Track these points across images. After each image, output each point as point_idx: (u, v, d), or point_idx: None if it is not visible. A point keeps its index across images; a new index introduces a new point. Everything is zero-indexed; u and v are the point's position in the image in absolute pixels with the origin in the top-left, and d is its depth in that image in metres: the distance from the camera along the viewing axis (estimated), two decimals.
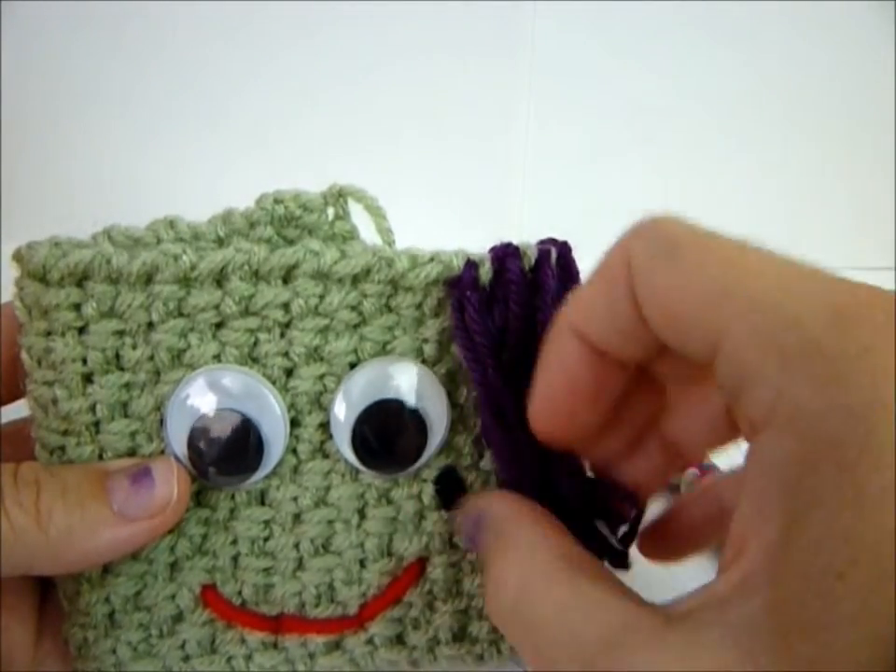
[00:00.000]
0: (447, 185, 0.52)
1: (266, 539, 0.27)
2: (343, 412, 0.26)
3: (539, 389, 0.23)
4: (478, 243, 0.58)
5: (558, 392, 0.23)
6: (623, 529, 0.26)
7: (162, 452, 0.25)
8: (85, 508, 0.23)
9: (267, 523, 0.27)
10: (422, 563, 0.28)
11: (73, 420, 0.25)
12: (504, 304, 0.26)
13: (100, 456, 0.25)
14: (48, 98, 0.49)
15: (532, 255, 0.26)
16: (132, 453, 0.25)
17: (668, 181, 0.52)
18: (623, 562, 0.26)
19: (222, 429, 0.25)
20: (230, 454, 0.25)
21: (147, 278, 0.24)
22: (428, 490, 0.27)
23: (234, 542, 0.27)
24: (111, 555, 0.24)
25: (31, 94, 0.49)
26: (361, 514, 0.27)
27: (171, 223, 0.27)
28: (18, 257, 0.25)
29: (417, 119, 0.50)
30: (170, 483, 0.24)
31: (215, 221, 0.27)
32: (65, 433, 0.25)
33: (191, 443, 0.25)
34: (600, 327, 0.22)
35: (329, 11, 0.47)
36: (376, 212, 0.29)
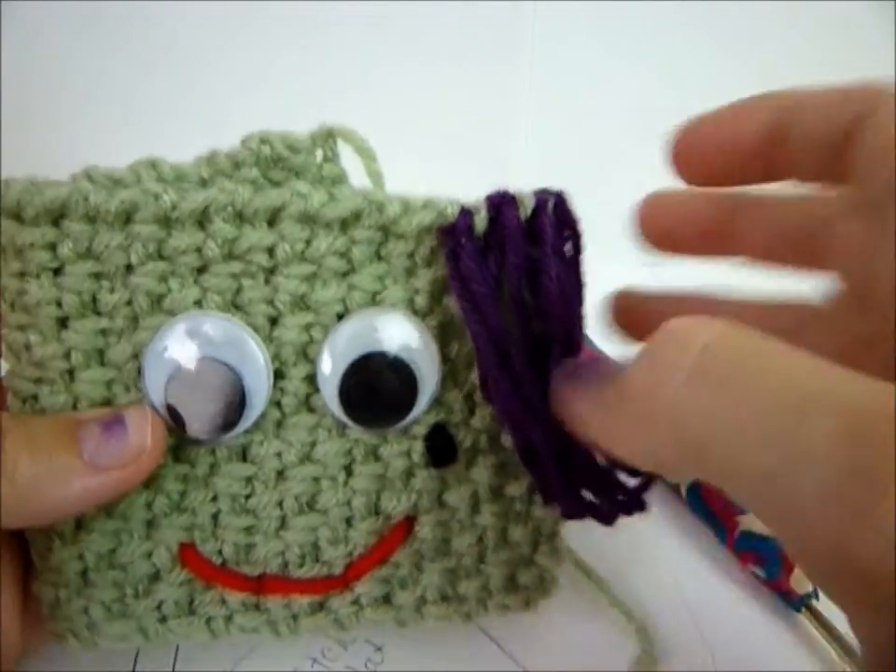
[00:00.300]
0: (448, 187, 0.52)
1: (248, 497, 0.26)
2: (330, 364, 0.25)
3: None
4: None
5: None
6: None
7: (140, 402, 0.24)
8: (53, 456, 0.22)
9: (249, 479, 0.26)
10: (410, 522, 0.27)
11: (46, 367, 0.24)
12: (500, 252, 0.25)
13: (74, 406, 0.24)
14: (48, 98, 0.49)
15: (529, 204, 0.26)
16: (107, 402, 0.24)
17: (670, 181, 0.52)
18: (638, 506, 0.26)
19: (202, 380, 0.24)
20: (209, 405, 0.24)
21: (126, 217, 0.23)
22: (418, 447, 0.26)
23: (214, 499, 0.26)
24: (81, 506, 0.23)
25: (31, 94, 0.49)
26: (348, 471, 0.26)
27: (153, 164, 0.25)
28: None
29: (417, 120, 0.50)
30: (143, 432, 0.23)
31: (198, 162, 0.26)
32: (38, 381, 0.24)
33: (169, 394, 0.24)
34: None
35: (329, 12, 0.47)
36: (366, 153, 0.28)
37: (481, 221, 0.25)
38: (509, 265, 0.25)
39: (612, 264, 0.52)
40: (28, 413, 0.24)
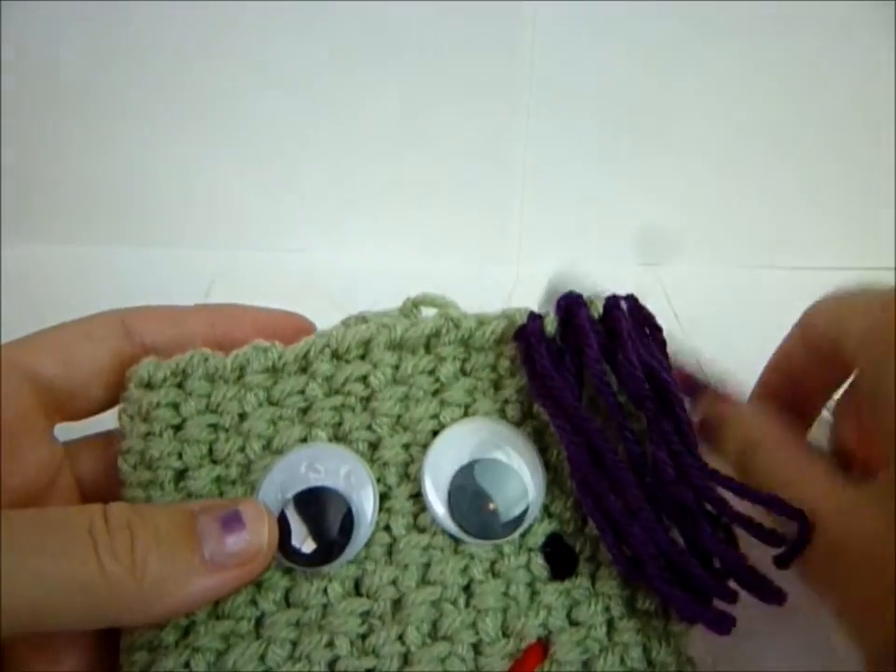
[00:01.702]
0: (445, 185, 0.52)
1: (365, 637, 0.24)
2: (435, 478, 0.25)
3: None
4: (477, 243, 0.58)
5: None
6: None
7: None
8: (177, 556, 0.22)
9: (365, 616, 0.24)
10: (543, 644, 0.25)
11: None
12: (575, 351, 0.25)
13: None
14: (48, 98, 0.49)
15: (599, 304, 0.26)
16: None
17: (669, 181, 0.52)
18: (777, 596, 0.23)
19: (311, 508, 0.25)
20: (319, 531, 0.25)
21: (240, 372, 0.26)
22: (537, 560, 0.25)
23: (330, 644, 0.24)
24: (199, 605, 0.23)
25: (31, 94, 0.49)
26: (468, 591, 0.25)
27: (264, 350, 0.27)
28: (128, 376, 0.26)
29: (416, 119, 0.50)
30: (261, 528, 0.23)
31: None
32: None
33: (281, 526, 0.24)
34: None
35: (329, 12, 0.47)
36: (453, 311, 0.29)
37: (551, 324, 0.26)
38: (589, 360, 0.25)
39: (612, 264, 0.52)
40: (146, 505, 0.24)
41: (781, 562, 0.24)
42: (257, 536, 0.23)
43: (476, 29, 0.47)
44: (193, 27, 0.47)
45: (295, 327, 0.28)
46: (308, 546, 0.24)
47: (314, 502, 0.25)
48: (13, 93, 0.48)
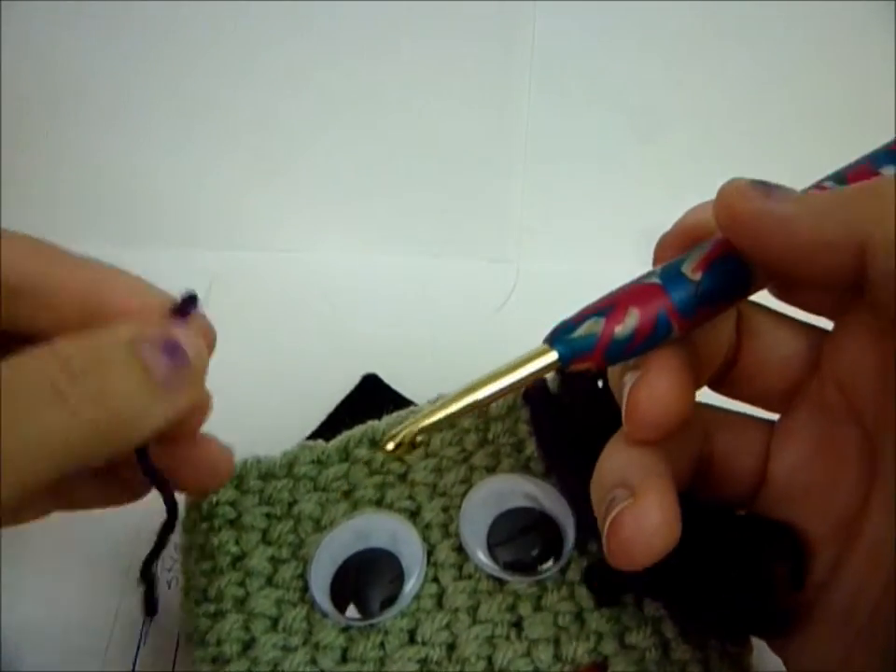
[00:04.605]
0: (445, 184, 0.52)
1: None
2: (473, 529, 0.27)
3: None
4: (477, 243, 0.58)
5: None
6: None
7: (307, 615, 0.26)
8: (135, 390, 0.21)
9: (423, 662, 0.26)
10: (600, 666, 0.25)
11: (223, 595, 0.27)
12: (574, 407, 0.27)
13: (246, 626, 0.26)
14: (48, 98, 0.49)
15: None
16: (276, 620, 0.26)
17: (669, 180, 0.52)
18: (787, 621, 0.23)
19: (363, 568, 0.27)
20: (372, 587, 0.26)
21: (290, 467, 0.29)
22: (581, 590, 0.26)
23: None
24: (161, 430, 0.22)
25: (31, 94, 0.49)
26: (518, 626, 0.26)
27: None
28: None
29: (415, 119, 0.50)
30: (197, 346, 0.23)
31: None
32: (215, 615, 0.27)
33: (334, 590, 0.26)
34: None
35: (327, 11, 0.47)
36: None
37: (554, 382, 0.29)
38: (582, 416, 0.27)
39: (612, 264, 0.52)
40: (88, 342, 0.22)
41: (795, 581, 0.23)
42: (196, 354, 0.23)
43: (476, 29, 0.47)
44: (193, 28, 0.47)
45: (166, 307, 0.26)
46: (359, 606, 0.26)
47: (365, 562, 0.27)
48: (13, 93, 0.48)
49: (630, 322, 0.21)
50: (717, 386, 0.26)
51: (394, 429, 0.22)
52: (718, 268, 0.22)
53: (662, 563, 0.22)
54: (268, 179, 0.52)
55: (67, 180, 0.51)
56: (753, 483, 0.25)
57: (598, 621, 0.26)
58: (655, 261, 0.25)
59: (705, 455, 0.25)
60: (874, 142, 0.49)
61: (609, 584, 0.26)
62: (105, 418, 0.21)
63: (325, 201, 0.52)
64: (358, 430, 0.30)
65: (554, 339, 0.21)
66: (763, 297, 0.25)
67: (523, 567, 0.27)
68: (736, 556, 0.24)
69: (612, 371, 0.24)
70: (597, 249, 0.53)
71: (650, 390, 0.21)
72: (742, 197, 0.21)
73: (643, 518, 0.21)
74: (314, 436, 0.37)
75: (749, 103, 0.50)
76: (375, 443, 0.30)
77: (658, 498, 0.21)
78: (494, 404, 0.29)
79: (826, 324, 0.25)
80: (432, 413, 0.21)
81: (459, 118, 0.50)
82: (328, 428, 0.38)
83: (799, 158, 0.55)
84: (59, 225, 0.53)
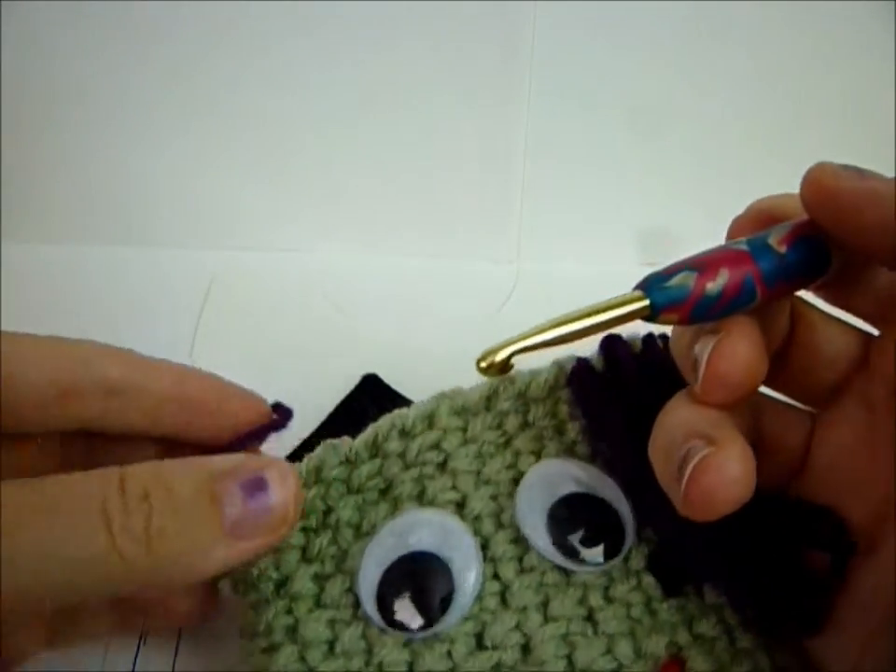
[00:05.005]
0: (445, 184, 0.52)
1: None
2: (531, 518, 0.26)
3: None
4: (477, 243, 0.58)
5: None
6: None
7: (363, 633, 0.24)
8: (198, 524, 0.20)
9: (496, 668, 0.24)
10: (678, 661, 0.25)
11: (272, 628, 0.25)
12: (621, 384, 0.26)
13: (301, 657, 0.24)
14: (48, 98, 0.49)
15: (637, 343, 0.28)
16: (332, 642, 0.24)
17: (669, 180, 0.52)
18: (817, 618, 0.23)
19: (411, 575, 0.25)
20: (423, 595, 0.25)
21: (317, 472, 0.27)
22: (647, 579, 0.26)
23: None
24: (217, 573, 0.22)
25: (31, 94, 0.49)
26: (592, 620, 0.25)
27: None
28: None
29: (415, 119, 0.50)
30: (287, 495, 0.22)
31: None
32: (269, 650, 0.25)
33: (381, 600, 0.24)
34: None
35: (326, 11, 0.47)
36: None
37: (598, 363, 0.27)
38: (630, 391, 0.26)
39: (612, 264, 0.52)
40: (166, 466, 0.22)
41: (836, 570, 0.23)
42: (281, 501, 0.21)
43: (476, 29, 0.47)
44: (193, 28, 0.47)
45: (256, 410, 0.28)
46: (413, 614, 0.24)
47: (412, 569, 0.25)
48: (13, 93, 0.48)
49: (720, 280, 0.21)
50: (766, 378, 0.26)
51: (488, 350, 0.22)
52: (802, 243, 0.23)
53: (719, 544, 0.23)
54: (268, 179, 0.52)
55: (67, 180, 0.51)
56: (793, 468, 0.26)
57: (667, 611, 0.25)
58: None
59: (753, 435, 0.26)
60: (873, 142, 0.49)
61: (674, 571, 0.26)
62: (149, 559, 0.20)
63: (325, 201, 0.52)
64: (384, 422, 0.27)
65: (648, 286, 0.22)
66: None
67: (588, 556, 0.25)
68: (780, 541, 0.24)
69: (681, 339, 0.24)
70: (597, 249, 0.53)
71: (732, 348, 0.22)
72: (833, 176, 0.22)
73: (726, 465, 0.21)
74: (314, 436, 0.36)
75: (749, 103, 0.50)
76: (406, 434, 0.27)
77: (740, 448, 0.21)
78: (534, 384, 0.27)
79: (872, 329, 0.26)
80: (525, 338, 0.22)
81: (459, 117, 0.50)
82: (328, 428, 0.38)
83: (799, 158, 0.55)
84: (58, 225, 0.53)
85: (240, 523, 0.21)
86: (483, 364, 0.22)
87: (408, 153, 0.51)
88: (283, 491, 0.22)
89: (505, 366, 0.22)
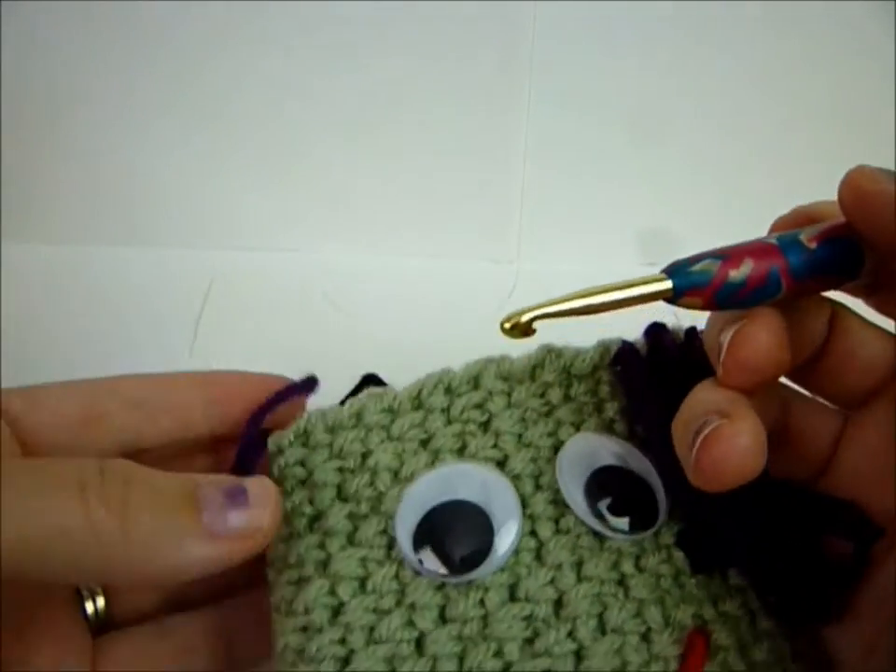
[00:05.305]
0: (445, 184, 0.52)
1: (532, 640, 0.24)
2: (570, 483, 0.26)
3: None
4: (477, 243, 0.58)
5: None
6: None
7: (396, 574, 0.24)
8: (173, 516, 0.21)
9: (528, 619, 0.24)
10: (704, 633, 0.25)
11: (304, 560, 0.25)
12: (663, 370, 0.27)
13: (332, 590, 0.24)
14: (48, 98, 0.49)
15: (680, 333, 0.28)
16: (363, 579, 0.24)
17: (669, 182, 0.52)
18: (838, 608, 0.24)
19: (449, 523, 0.25)
20: (460, 542, 0.25)
21: (358, 417, 0.27)
22: (677, 553, 0.26)
23: (499, 653, 0.24)
24: (193, 574, 0.22)
25: (31, 94, 0.49)
26: (623, 585, 0.25)
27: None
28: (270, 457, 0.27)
29: (415, 119, 0.50)
30: (264, 506, 0.22)
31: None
32: (298, 582, 0.25)
33: (419, 544, 0.24)
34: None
35: (326, 11, 0.47)
36: None
37: (642, 347, 0.28)
38: (672, 378, 0.26)
39: (612, 264, 0.52)
40: (150, 469, 0.23)
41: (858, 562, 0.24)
42: (259, 511, 0.22)
43: (476, 29, 0.47)
44: (193, 28, 0.47)
45: (282, 385, 0.29)
46: (447, 560, 0.24)
47: (452, 514, 0.25)
48: (13, 93, 0.48)
49: (744, 269, 0.22)
50: (801, 379, 0.27)
51: (513, 312, 0.22)
52: (834, 242, 0.23)
53: (743, 530, 0.23)
54: (268, 179, 0.52)
55: (68, 180, 0.51)
56: (821, 465, 0.26)
57: (695, 587, 0.26)
58: None
59: (780, 427, 0.26)
60: (873, 143, 0.49)
61: (701, 549, 0.26)
62: (122, 539, 0.20)
63: (325, 201, 0.52)
64: (431, 378, 0.28)
65: (672, 270, 0.23)
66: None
67: (622, 524, 0.26)
68: (806, 530, 0.25)
69: (712, 328, 0.25)
70: (597, 249, 0.53)
71: (752, 335, 0.22)
72: (871, 179, 0.22)
73: (737, 436, 0.21)
74: None
75: (749, 103, 0.50)
76: (450, 391, 0.28)
77: (752, 423, 0.22)
78: (580, 360, 0.28)
79: None
80: (549, 304, 0.22)
81: (459, 118, 0.50)
82: None
83: (799, 158, 0.55)
84: (59, 225, 0.53)
85: (216, 522, 0.21)
86: (508, 325, 0.22)
87: (408, 154, 0.51)
88: (262, 501, 0.22)
89: (528, 328, 0.22)
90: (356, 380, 0.41)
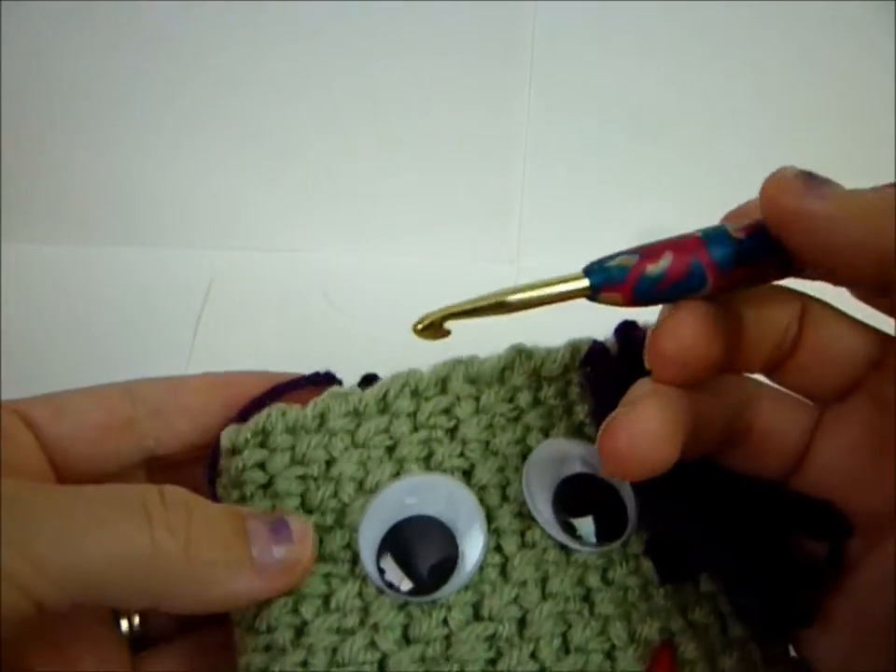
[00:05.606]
0: (445, 184, 0.52)
1: (496, 660, 0.24)
2: (537, 494, 0.26)
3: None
4: (476, 242, 0.58)
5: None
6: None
7: (360, 591, 0.24)
8: (229, 546, 0.21)
9: (491, 639, 0.24)
10: (670, 646, 0.24)
11: None
12: (632, 370, 0.26)
13: (295, 606, 0.24)
14: (48, 98, 0.49)
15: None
16: (327, 597, 0.24)
17: (669, 181, 0.52)
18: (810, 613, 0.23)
19: (412, 539, 0.24)
20: (424, 559, 0.24)
21: (321, 420, 0.26)
22: (645, 563, 0.26)
23: None
24: (243, 604, 0.23)
25: (31, 94, 0.49)
26: (588, 600, 0.25)
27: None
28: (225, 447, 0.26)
29: (415, 119, 0.50)
30: (305, 541, 0.23)
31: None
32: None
33: (384, 561, 0.24)
34: None
35: (326, 12, 0.47)
36: None
37: (612, 346, 0.27)
38: (641, 375, 0.25)
39: None
40: (202, 497, 0.23)
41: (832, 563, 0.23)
42: (301, 547, 0.23)
43: (476, 29, 0.47)
44: (193, 28, 0.47)
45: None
46: (407, 581, 0.24)
47: (415, 532, 0.25)
48: (13, 93, 0.48)
49: (663, 263, 0.22)
50: (773, 374, 0.26)
51: (426, 314, 0.22)
52: (763, 235, 0.22)
53: (714, 534, 0.23)
54: (268, 179, 0.52)
55: (68, 181, 0.51)
56: (792, 462, 0.26)
57: (663, 597, 0.25)
58: None
59: (743, 424, 0.25)
60: (873, 143, 0.49)
61: (670, 559, 0.26)
62: (186, 565, 0.20)
63: (325, 201, 0.52)
64: (397, 379, 0.27)
65: (589, 267, 0.23)
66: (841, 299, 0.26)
67: (582, 529, 0.25)
68: (777, 531, 0.24)
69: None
70: (597, 249, 0.52)
71: (672, 328, 0.22)
72: (784, 191, 0.22)
73: (636, 424, 0.21)
74: None
75: (749, 103, 0.50)
76: (417, 394, 0.27)
77: (658, 410, 0.21)
78: (550, 362, 0.27)
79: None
80: (462, 304, 0.22)
81: (459, 118, 0.50)
82: None
83: (799, 158, 0.55)
84: (60, 225, 0.53)
85: (264, 555, 0.22)
86: (420, 326, 0.22)
87: (408, 154, 0.51)
88: (303, 536, 0.23)
89: (441, 329, 0.22)
90: (355, 380, 0.41)
